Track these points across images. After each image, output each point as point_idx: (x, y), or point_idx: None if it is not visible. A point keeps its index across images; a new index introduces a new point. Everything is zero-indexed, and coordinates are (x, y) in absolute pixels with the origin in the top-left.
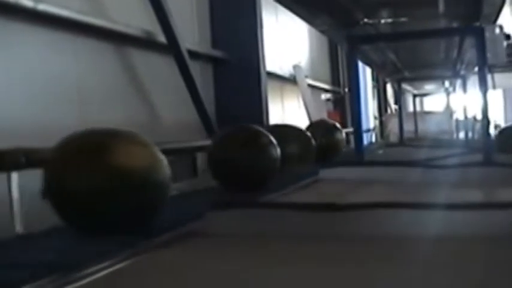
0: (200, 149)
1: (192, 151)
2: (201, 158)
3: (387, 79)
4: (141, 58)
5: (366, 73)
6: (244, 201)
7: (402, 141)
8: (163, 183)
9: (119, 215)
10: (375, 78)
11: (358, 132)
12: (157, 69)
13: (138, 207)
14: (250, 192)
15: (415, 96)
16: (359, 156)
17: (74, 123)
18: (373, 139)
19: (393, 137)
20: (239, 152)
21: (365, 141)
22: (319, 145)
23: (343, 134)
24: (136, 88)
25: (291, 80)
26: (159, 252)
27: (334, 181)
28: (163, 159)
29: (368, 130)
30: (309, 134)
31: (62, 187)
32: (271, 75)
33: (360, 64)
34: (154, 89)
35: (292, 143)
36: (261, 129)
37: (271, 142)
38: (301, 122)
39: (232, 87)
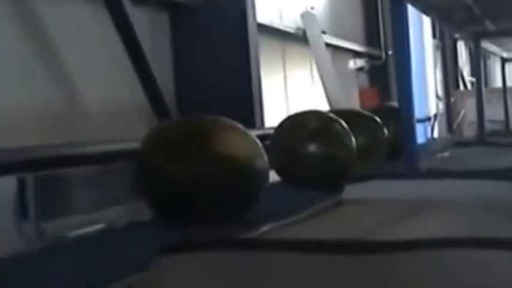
0: None
1: None
2: None
3: (458, 35)
4: (48, 3)
5: (422, 26)
6: (215, 239)
7: (483, 137)
8: (262, 171)
9: (216, 205)
10: (438, 35)
11: (408, 122)
12: (77, 21)
13: (237, 197)
14: (322, 190)
15: (504, 61)
16: (410, 162)
17: None
18: (435, 133)
19: (468, 130)
20: (308, 142)
21: (421, 138)
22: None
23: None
24: (41, 52)
25: (298, 38)
26: None
27: (367, 204)
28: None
29: (427, 119)
30: (379, 121)
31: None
32: (265, 29)
33: (412, 11)
34: (72, 54)
35: (361, 133)
36: (331, 115)
37: (345, 130)
38: (316, 105)
39: (201, 50)
